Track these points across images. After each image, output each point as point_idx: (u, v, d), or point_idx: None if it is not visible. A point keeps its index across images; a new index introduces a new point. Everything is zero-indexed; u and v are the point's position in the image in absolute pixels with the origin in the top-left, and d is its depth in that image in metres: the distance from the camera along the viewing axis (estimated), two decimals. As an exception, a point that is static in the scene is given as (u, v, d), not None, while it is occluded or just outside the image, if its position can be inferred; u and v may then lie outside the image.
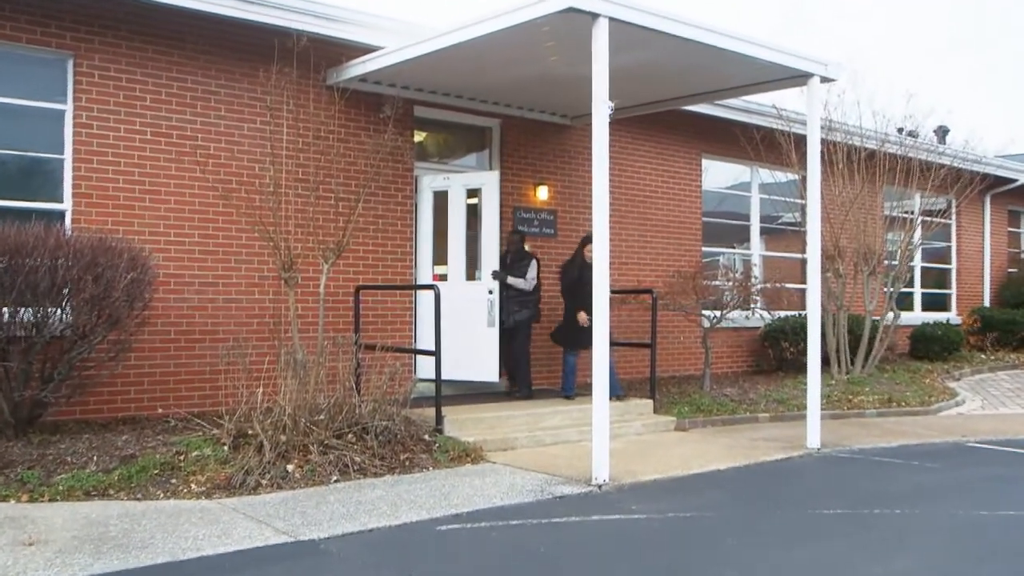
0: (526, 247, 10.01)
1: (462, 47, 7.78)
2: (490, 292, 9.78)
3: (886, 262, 13.39)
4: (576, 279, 9.40)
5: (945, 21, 54.53)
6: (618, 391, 9.35)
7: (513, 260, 9.78)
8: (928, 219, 14.44)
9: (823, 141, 9.71)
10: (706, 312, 10.93)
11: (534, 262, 9.69)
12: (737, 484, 7.00)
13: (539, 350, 10.20)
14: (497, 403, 9.11)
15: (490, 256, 9.99)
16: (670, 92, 9.92)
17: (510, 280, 9.59)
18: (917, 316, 16.04)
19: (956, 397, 11.68)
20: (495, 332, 9.76)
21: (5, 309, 6.51)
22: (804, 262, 10.87)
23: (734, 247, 13.77)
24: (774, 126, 12.36)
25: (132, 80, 8.05)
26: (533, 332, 9.83)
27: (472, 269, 10.18)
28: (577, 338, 9.41)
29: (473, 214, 10.15)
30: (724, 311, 10.81)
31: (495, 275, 9.67)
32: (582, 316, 9.22)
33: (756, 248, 13.65)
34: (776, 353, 12.77)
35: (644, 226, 11.93)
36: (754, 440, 8.68)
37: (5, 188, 7.65)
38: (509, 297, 9.62)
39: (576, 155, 11.22)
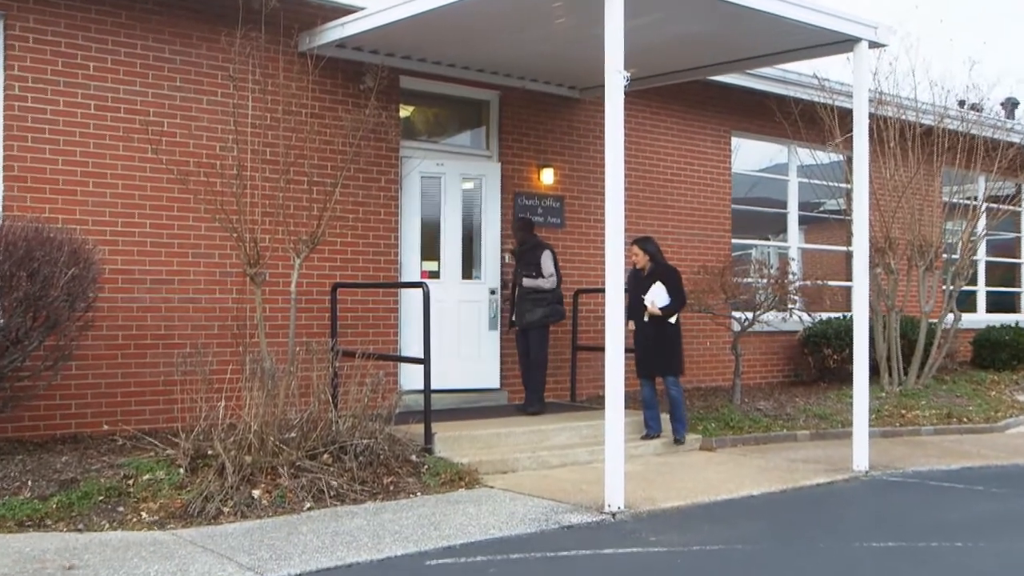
0: (537, 236, 9.92)
1: (456, 7, 7.78)
2: (492, 292, 9.78)
3: (945, 256, 13.37)
4: (626, 290, 8.61)
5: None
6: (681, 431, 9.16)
7: (521, 252, 9.71)
8: (994, 206, 14.41)
9: (872, 116, 9.71)
10: (736, 314, 10.92)
11: (547, 253, 9.56)
12: (772, 513, 7.00)
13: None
14: (495, 418, 9.12)
15: (491, 253, 9.99)
16: (695, 60, 9.91)
17: (526, 283, 9.47)
18: (981, 318, 16.01)
19: (1026, 412, 11.69)
20: (497, 336, 9.74)
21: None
22: (849, 256, 10.86)
23: (768, 239, 13.77)
24: (815, 99, 12.35)
25: (73, 45, 8.03)
26: (551, 335, 9.80)
27: (469, 266, 10.16)
28: (640, 360, 8.91)
29: (469, 203, 10.14)
30: (757, 312, 10.79)
31: (514, 279, 9.73)
32: (629, 323, 8.78)
33: (794, 240, 13.63)
34: (817, 361, 12.77)
35: (665, 214, 11.92)
36: (792, 461, 8.68)
37: (-73, 171, 7.66)
38: (522, 295, 9.55)
39: (586, 133, 11.21)
